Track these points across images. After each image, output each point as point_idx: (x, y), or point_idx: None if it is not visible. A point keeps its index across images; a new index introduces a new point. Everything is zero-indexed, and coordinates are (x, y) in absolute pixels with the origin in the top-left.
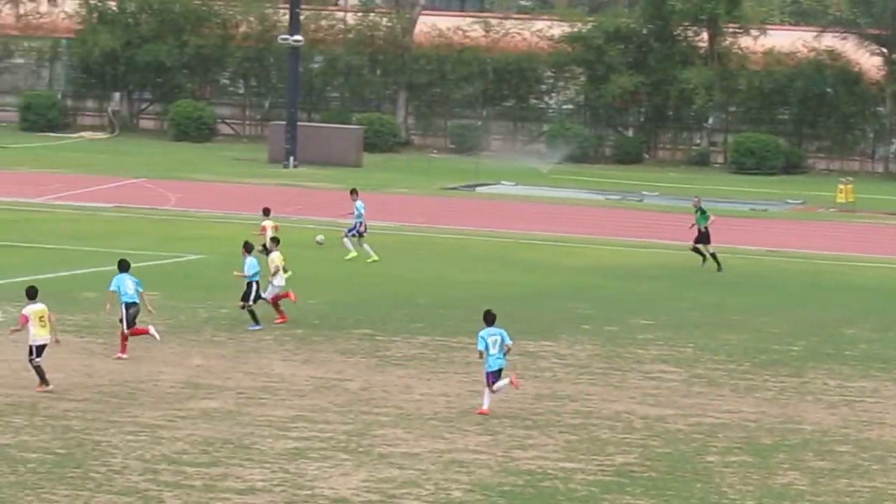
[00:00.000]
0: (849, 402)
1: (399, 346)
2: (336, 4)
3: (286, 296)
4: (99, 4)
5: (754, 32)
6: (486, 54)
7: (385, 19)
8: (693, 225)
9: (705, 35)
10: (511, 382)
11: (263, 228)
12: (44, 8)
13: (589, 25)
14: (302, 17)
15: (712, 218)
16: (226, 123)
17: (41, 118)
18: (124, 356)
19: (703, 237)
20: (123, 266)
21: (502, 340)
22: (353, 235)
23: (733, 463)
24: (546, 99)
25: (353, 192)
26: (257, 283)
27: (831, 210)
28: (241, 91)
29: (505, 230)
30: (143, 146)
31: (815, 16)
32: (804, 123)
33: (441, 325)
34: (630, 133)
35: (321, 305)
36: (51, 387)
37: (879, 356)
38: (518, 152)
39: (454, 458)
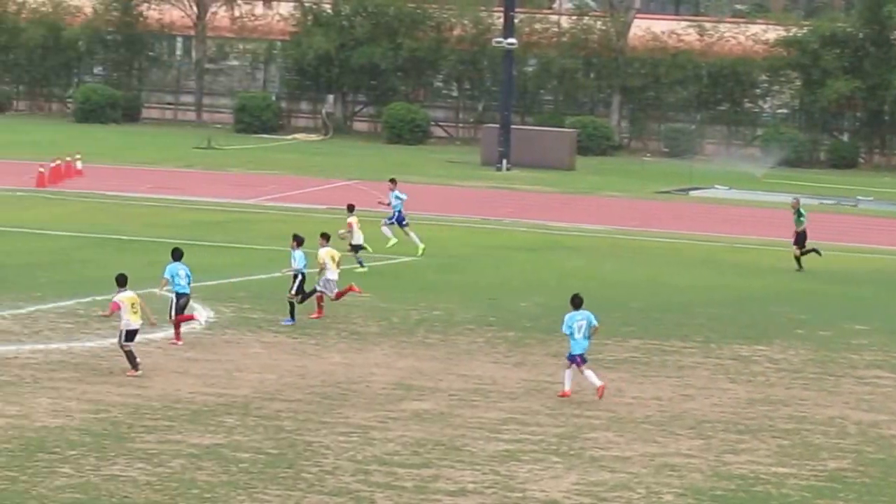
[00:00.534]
0: None
1: (611, 349)
2: (550, 8)
3: (350, 289)
4: (314, 7)
5: None
6: (700, 58)
7: (599, 22)
8: None
9: None
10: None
11: (350, 225)
12: (259, 10)
13: (804, 30)
14: (516, 21)
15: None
16: (439, 126)
17: (256, 120)
18: (180, 343)
19: (800, 238)
20: (177, 255)
21: (588, 324)
22: (391, 224)
23: None
24: (760, 103)
25: (392, 181)
26: (303, 275)
27: None
28: (455, 94)
29: (718, 234)
30: (357, 148)
31: None
32: None
33: (653, 329)
34: (845, 138)
35: (532, 308)
36: (139, 372)
37: None
38: (732, 156)
39: (666, 462)
